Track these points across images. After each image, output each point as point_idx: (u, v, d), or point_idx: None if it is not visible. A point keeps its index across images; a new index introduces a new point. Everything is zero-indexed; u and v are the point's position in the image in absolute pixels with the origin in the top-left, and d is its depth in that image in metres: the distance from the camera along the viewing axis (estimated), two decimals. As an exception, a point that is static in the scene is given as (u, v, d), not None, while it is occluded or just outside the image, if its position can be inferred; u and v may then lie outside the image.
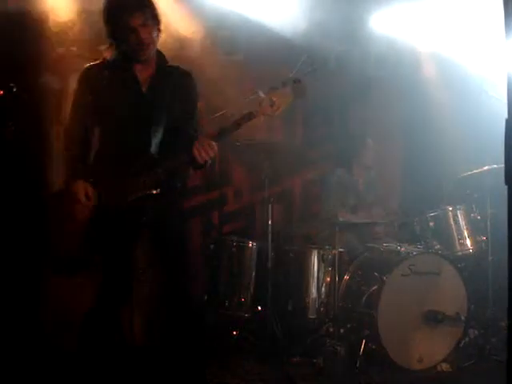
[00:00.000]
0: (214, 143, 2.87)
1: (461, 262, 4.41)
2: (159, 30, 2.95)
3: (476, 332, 4.37)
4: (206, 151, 2.85)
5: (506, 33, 1.30)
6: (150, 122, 2.98)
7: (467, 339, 4.25)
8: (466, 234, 4.56)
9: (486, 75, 4.54)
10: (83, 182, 2.92)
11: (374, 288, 4.09)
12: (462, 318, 4.11)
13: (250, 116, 2.89)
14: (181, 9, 4.51)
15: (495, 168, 4.32)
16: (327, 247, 4.44)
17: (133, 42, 2.88)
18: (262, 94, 2.85)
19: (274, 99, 2.86)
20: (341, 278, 4.33)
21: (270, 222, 4.39)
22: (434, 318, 4.05)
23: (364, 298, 4.13)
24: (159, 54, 3.06)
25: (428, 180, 5.51)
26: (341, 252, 4.38)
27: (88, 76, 3.03)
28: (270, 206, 4.42)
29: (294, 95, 2.91)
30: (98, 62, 3.08)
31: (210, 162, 2.94)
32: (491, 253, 4.39)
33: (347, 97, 5.64)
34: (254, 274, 4.47)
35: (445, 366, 4.09)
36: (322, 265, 4.42)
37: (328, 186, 4.98)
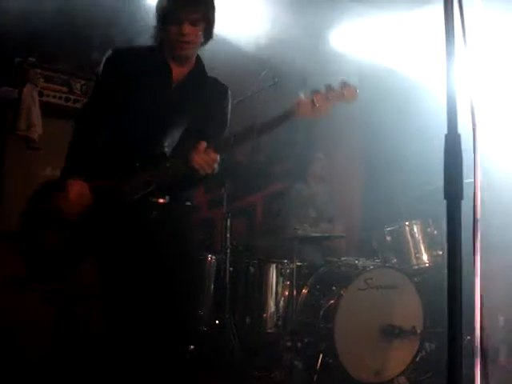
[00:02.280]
0: (214, 153, 2.61)
1: (417, 275, 4.46)
2: (207, 37, 2.77)
3: (432, 345, 4.42)
4: (205, 161, 2.60)
5: (447, 48, 1.33)
6: (170, 119, 2.78)
7: (424, 353, 4.29)
8: (422, 248, 4.61)
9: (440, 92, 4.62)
10: (78, 180, 2.68)
11: (331, 302, 4.10)
12: (418, 331, 4.15)
13: (286, 116, 2.66)
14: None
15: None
16: (286, 261, 4.44)
17: (174, 35, 2.68)
18: (302, 96, 2.65)
19: (316, 100, 2.66)
20: (299, 291, 4.34)
21: (228, 236, 4.39)
22: (390, 332, 4.08)
23: (322, 312, 4.14)
24: (199, 60, 2.87)
25: (387, 195, 5.57)
26: (299, 266, 4.39)
27: (115, 59, 2.79)
28: (228, 220, 4.42)
29: (344, 98, 2.71)
30: (127, 46, 2.92)
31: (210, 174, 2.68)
32: (447, 267, 4.44)
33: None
34: (212, 287, 4.45)
35: (402, 380, 4.12)
36: (281, 278, 4.42)
37: (287, 200, 5.01)
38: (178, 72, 2.80)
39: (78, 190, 2.66)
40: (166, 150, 2.77)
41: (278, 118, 2.66)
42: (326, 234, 4.77)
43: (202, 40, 2.75)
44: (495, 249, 3.98)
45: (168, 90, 2.77)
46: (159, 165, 2.68)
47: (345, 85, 2.71)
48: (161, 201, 2.75)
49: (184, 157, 2.62)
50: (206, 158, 2.58)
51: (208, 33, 2.75)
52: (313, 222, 4.94)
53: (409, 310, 4.19)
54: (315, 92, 2.68)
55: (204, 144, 2.58)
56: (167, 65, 2.78)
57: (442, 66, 1.51)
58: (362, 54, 5.44)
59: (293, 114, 2.65)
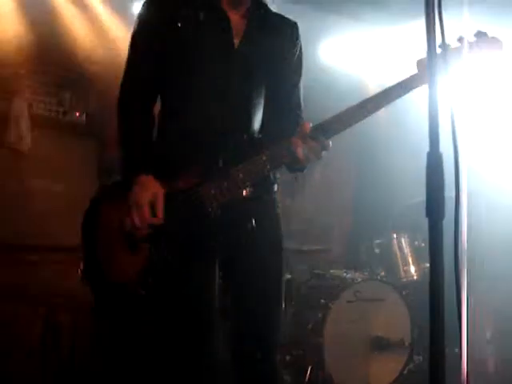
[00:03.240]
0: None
1: (405, 288, 4.47)
2: None
3: (421, 358, 4.42)
4: (312, 149, 2.05)
5: (428, 65, 1.35)
6: (247, 88, 2.17)
7: (412, 365, 4.29)
8: (410, 261, 4.62)
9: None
10: (152, 181, 2.04)
11: (319, 315, 4.10)
12: (407, 343, 4.15)
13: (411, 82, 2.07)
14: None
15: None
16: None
17: None
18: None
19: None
20: (287, 304, 4.33)
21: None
22: (379, 344, 4.09)
23: (310, 325, 4.13)
24: None
25: (376, 207, 5.59)
26: (288, 279, 4.38)
27: (162, 4, 2.17)
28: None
29: (481, 54, 2.07)
30: None
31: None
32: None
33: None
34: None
35: (391, 392, 4.12)
36: (269, 291, 4.41)
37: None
38: (235, 18, 2.18)
39: (152, 200, 2.02)
40: (255, 127, 2.19)
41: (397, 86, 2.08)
42: (316, 247, 4.78)
43: None
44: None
45: (231, 50, 2.16)
46: (250, 157, 2.06)
47: (481, 35, 2.05)
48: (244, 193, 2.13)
49: (283, 145, 2.05)
50: (313, 145, 2.03)
51: None
52: (301, 235, 4.94)
53: (397, 322, 4.19)
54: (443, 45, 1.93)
55: (309, 126, 2.04)
56: (224, 14, 2.15)
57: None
58: (350, 68, 5.49)
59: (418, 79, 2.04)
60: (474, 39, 2.06)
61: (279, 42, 2.25)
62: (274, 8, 2.37)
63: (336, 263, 4.82)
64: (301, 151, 2.02)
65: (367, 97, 2.15)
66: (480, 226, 4.36)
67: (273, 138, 2.13)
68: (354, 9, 4.95)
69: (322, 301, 4.16)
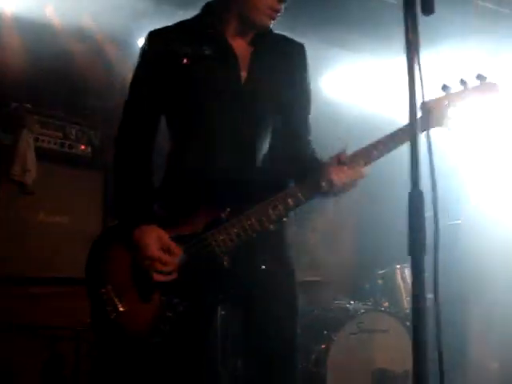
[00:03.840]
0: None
1: (409, 319, 4.45)
2: None
3: (425, 390, 4.39)
4: (350, 178, 2.02)
5: (409, 104, 1.39)
6: (252, 116, 2.10)
7: (416, 398, 4.25)
8: (413, 291, 4.61)
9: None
10: (156, 232, 1.97)
11: (322, 346, 4.09)
12: (410, 376, 4.12)
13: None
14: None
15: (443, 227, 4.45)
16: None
17: (267, 3, 2.03)
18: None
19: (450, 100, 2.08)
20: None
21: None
22: (382, 376, 4.06)
23: (313, 356, 4.12)
24: None
25: (379, 238, 5.59)
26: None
27: (164, 39, 2.10)
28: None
29: (483, 96, 2.10)
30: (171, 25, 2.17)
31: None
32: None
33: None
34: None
35: (394, 425, 4.08)
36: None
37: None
38: (243, 46, 2.12)
39: (160, 252, 1.96)
40: (261, 159, 2.12)
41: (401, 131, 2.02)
42: (319, 279, 4.78)
43: None
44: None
45: (239, 85, 2.09)
46: (265, 196, 2.00)
47: (481, 77, 2.06)
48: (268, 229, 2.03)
49: (320, 173, 2.00)
50: (350, 174, 2.01)
51: None
52: (305, 267, 4.94)
53: (401, 353, 4.16)
54: (445, 88, 2.05)
55: (345, 156, 2.02)
56: (229, 47, 2.09)
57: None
58: (352, 100, 5.56)
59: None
60: (476, 82, 2.08)
61: (287, 67, 2.18)
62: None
63: (339, 294, 4.81)
64: (339, 179, 1.99)
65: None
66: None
67: (285, 165, 2.13)
68: (356, 41, 5.03)
69: (325, 332, 4.14)
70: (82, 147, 4.44)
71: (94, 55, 4.66)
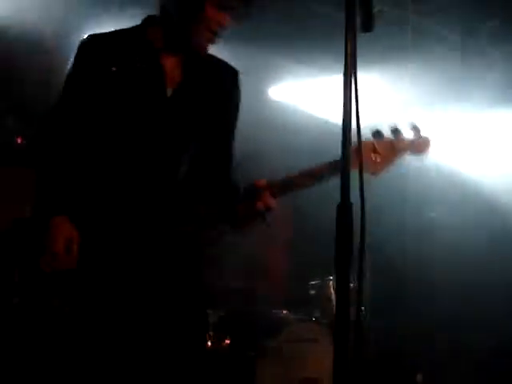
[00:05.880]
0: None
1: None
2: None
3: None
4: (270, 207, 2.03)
5: (343, 120, 1.41)
6: (170, 136, 2.12)
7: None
8: (345, 302, 4.68)
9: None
10: (65, 222, 2.02)
11: (251, 354, 4.09)
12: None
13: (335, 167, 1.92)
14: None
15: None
16: (210, 311, 4.41)
17: (211, 22, 2.02)
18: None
19: (379, 148, 2.06)
20: (221, 342, 4.30)
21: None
22: (308, 386, 4.09)
23: (242, 364, 4.11)
24: None
25: (313, 249, 5.64)
26: (221, 316, 4.37)
27: (96, 48, 2.12)
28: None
29: (415, 151, 2.13)
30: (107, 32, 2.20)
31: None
32: (371, 321, 4.57)
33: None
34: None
35: None
36: (204, 328, 4.37)
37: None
38: (173, 65, 2.15)
39: (66, 240, 2.00)
40: (181, 177, 2.14)
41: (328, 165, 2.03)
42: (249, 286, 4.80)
43: None
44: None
45: (163, 99, 2.12)
46: (184, 203, 2.09)
47: (416, 130, 2.07)
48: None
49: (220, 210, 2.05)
50: (271, 203, 2.03)
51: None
52: (236, 272, 4.94)
53: (329, 363, 4.20)
54: (377, 135, 2.03)
55: (265, 183, 2.03)
56: (159, 62, 2.12)
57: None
58: (302, 106, 5.67)
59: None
60: (409, 134, 2.08)
61: (217, 92, 2.20)
62: (227, 49, 2.36)
63: (271, 302, 4.83)
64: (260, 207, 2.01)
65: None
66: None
67: (205, 188, 2.16)
68: (311, 55, 5.12)
69: (255, 340, 4.15)
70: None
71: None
